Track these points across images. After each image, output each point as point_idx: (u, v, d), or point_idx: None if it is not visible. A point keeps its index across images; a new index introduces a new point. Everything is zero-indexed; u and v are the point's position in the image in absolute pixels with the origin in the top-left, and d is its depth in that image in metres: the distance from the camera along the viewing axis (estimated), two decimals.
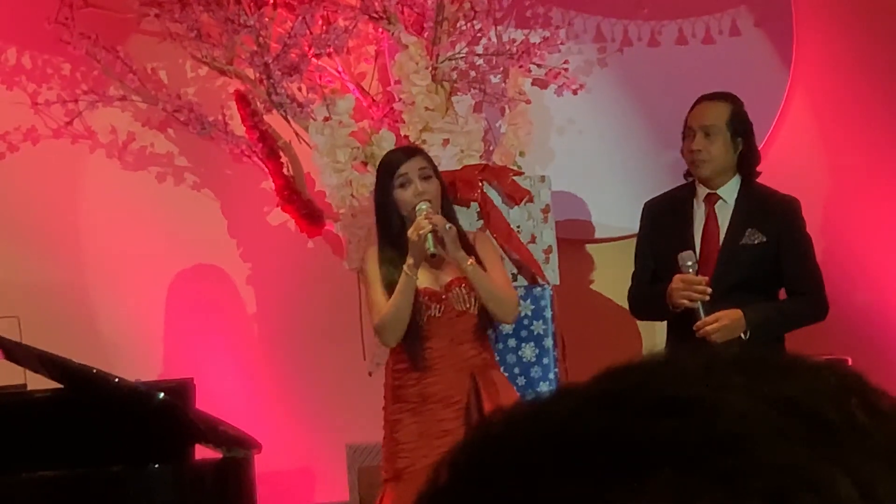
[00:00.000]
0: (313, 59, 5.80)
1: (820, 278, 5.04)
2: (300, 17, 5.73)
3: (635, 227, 5.32)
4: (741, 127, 5.02)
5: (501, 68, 5.81)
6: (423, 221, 4.59)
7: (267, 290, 6.39)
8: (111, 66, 6.01)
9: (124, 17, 6.02)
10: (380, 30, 5.95)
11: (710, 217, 5.02)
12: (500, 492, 0.68)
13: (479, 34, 5.82)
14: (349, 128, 5.74)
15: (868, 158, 6.35)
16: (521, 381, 5.29)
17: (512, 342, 5.35)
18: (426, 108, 5.70)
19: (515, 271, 5.50)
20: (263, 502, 4.89)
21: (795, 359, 0.72)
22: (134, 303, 6.26)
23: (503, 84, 5.82)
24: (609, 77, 6.42)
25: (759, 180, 5.10)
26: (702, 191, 5.04)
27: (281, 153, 6.09)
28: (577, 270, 6.32)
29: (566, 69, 5.89)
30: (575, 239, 6.34)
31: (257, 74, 5.85)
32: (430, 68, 5.72)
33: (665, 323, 5.17)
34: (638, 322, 5.95)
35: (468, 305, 4.76)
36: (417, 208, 4.64)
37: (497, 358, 5.03)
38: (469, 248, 4.77)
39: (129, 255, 6.25)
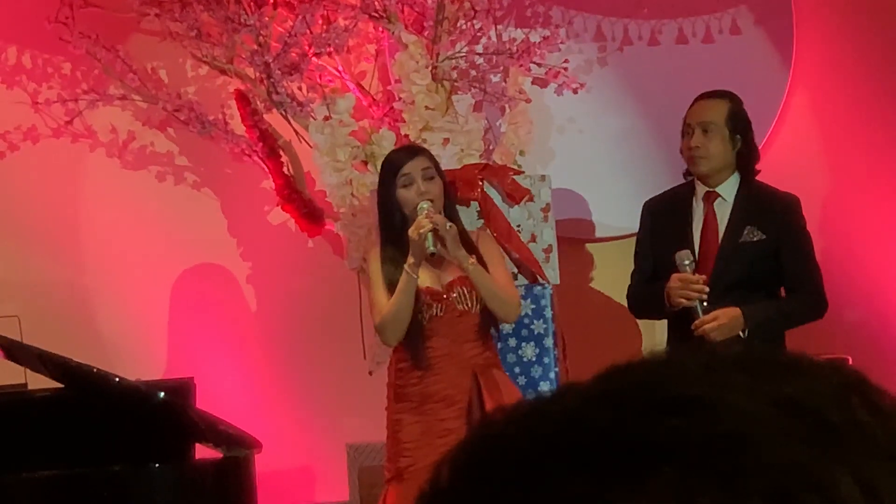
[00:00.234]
0: (313, 59, 5.80)
1: (819, 276, 5.03)
2: (300, 17, 5.73)
3: (635, 226, 5.31)
4: (740, 125, 5.01)
5: (501, 67, 5.81)
6: (424, 220, 4.59)
7: (267, 289, 6.39)
8: (111, 66, 6.01)
9: (124, 16, 6.02)
10: (380, 29, 5.95)
11: (710, 215, 5.01)
12: (501, 491, 0.68)
13: (479, 33, 5.82)
14: (349, 127, 5.74)
15: (868, 158, 6.34)
16: (521, 380, 5.28)
17: (512, 341, 5.34)
18: (426, 108, 5.70)
19: (516, 270, 5.49)
20: (263, 502, 4.89)
21: (796, 358, 0.72)
22: (134, 302, 6.26)
23: (503, 83, 5.83)
24: (609, 76, 6.42)
25: (758, 179, 5.10)
26: (701, 189, 5.03)
27: (281, 152, 6.10)
28: (578, 269, 6.32)
29: (566, 68, 5.89)
30: (575, 238, 6.34)
31: (257, 73, 5.85)
32: (431, 67, 5.72)
33: (665, 322, 5.16)
34: (638, 321, 5.95)
35: (470, 305, 4.75)
36: (418, 207, 4.63)
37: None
38: (471, 247, 4.76)
39: (129, 255, 6.25)
